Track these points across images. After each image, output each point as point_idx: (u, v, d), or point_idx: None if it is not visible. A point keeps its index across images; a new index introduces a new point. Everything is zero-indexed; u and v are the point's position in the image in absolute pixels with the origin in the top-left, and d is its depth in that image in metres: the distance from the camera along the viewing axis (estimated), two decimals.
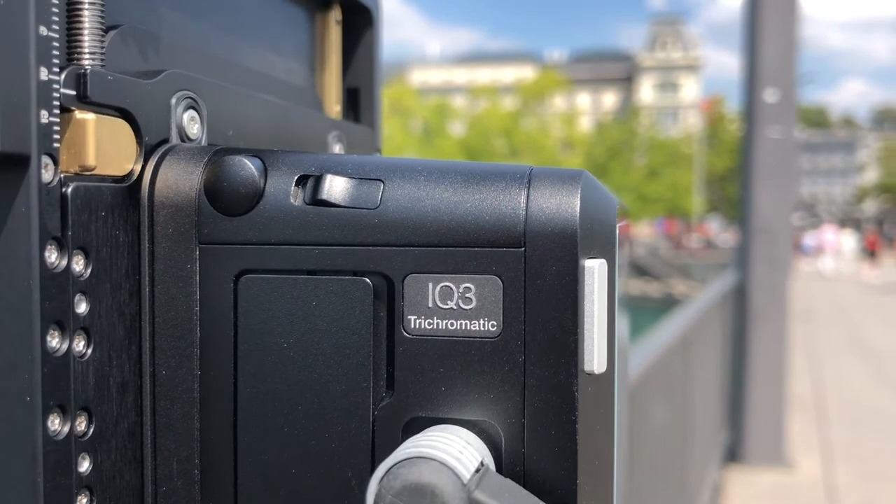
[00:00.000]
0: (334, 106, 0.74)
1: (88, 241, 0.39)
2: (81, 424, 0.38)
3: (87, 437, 0.39)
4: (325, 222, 0.40)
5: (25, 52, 0.35)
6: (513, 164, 0.42)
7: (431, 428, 0.38)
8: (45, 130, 0.36)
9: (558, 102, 47.05)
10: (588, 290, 0.38)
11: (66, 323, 0.37)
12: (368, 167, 0.41)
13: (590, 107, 62.56)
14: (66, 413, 0.37)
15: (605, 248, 0.39)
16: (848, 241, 28.77)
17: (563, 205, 0.38)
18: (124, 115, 0.41)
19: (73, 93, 0.38)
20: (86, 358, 0.38)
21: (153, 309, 0.42)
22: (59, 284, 0.37)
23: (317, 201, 0.40)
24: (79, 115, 0.39)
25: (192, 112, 0.45)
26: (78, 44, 0.40)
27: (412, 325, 0.39)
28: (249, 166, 0.41)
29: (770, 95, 5.20)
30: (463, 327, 0.39)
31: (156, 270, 0.42)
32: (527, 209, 0.38)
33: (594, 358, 0.38)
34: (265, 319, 0.41)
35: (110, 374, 0.40)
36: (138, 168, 0.42)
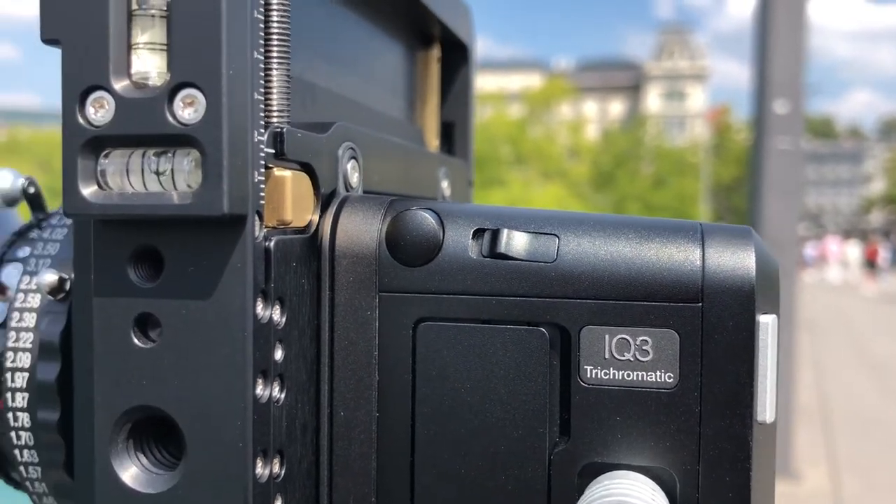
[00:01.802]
0: (434, 140, 0.76)
1: (284, 291, 0.41)
2: (276, 466, 0.40)
3: (279, 479, 0.40)
4: (502, 275, 0.42)
5: (245, 117, 0.37)
6: (679, 219, 0.44)
7: (613, 474, 0.40)
8: (256, 189, 0.38)
9: (565, 110, 46.95)
10: (763, 344, 0.40)
11: (268, 371, 0.39)
12: (541, 221, 0.43)
13: (596, 115, 62.52)
14: (267, 456, 0.39)
15: (774, 304, 0.41)
16: (853, 251, 28.72)
17: (740, 262, 0.40)
18: (305, 168, 0.43)
19: (273, 151, 0.40)
20: (280, 403, 0.40)
21: (332, 353, 0.44)
22: (264, 335, 0.39)
23: (495, 254, 0.42)
24: (277, 172, 0.41)
25: (353, 162, 0.48)
26: (269, 102, 0.42)
27: (588, 375, 0.41)
28: (431, 221, 0.43)
29: (780, 106, 5.21)
30: (640, 378, 0.40)
31: (336, 316, 0.43)
32: (703, 265, 0.40)
33: (766, 409, 0.40)
34: (443, 365, 0.42)
35: (296, 417, 0.42)
36: (316, 218, 0.44)
